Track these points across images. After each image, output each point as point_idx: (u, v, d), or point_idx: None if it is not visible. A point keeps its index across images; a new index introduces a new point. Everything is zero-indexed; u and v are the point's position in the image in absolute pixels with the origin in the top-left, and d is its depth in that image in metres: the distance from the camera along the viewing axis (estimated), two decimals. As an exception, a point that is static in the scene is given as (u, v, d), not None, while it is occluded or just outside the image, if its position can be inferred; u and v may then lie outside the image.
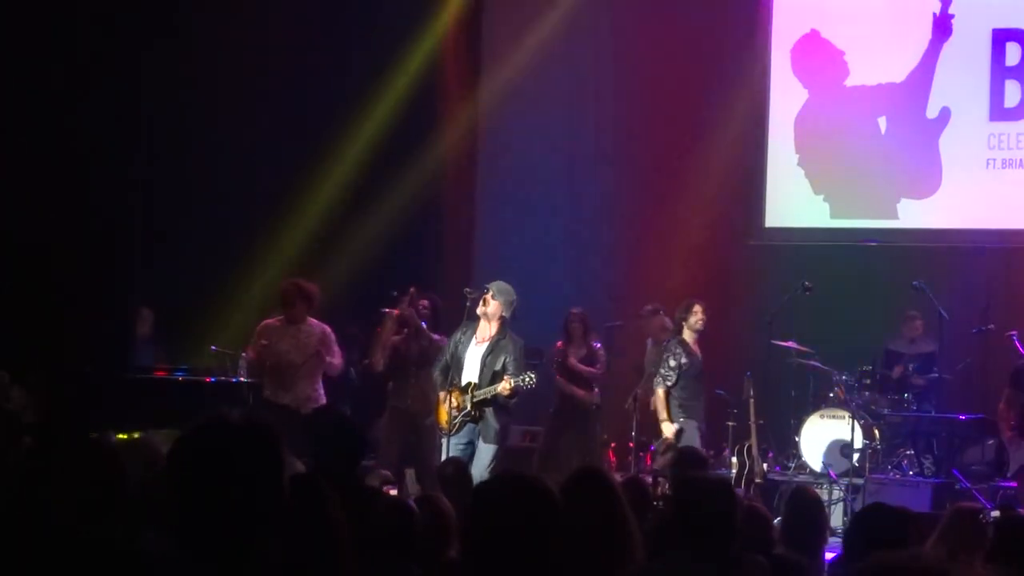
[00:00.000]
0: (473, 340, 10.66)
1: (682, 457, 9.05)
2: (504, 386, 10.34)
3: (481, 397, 10.49)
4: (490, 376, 10.50)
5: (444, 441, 10.60)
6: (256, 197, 14.27)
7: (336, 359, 11.44)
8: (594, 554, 4.23)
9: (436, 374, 10.92)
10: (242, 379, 11.91)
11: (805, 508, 6.86)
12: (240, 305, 13.61)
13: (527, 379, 10.37)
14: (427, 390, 11.42)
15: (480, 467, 10.27)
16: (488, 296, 10.56)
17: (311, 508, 3.88)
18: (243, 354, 11.72)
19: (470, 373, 10.61)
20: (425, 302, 11.95)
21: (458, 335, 10.78)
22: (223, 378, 11.94)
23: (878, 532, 5.57)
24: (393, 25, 14.90)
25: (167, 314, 13.40)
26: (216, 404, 10.95)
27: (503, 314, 10.59)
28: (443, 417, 10.68)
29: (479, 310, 10.57)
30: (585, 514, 4.20)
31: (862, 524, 5.80)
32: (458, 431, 10.56)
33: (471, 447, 10.58)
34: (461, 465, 8.68)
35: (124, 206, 13.29)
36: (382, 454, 11.69)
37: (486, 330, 10.62)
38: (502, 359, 10.50)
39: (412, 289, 11.85)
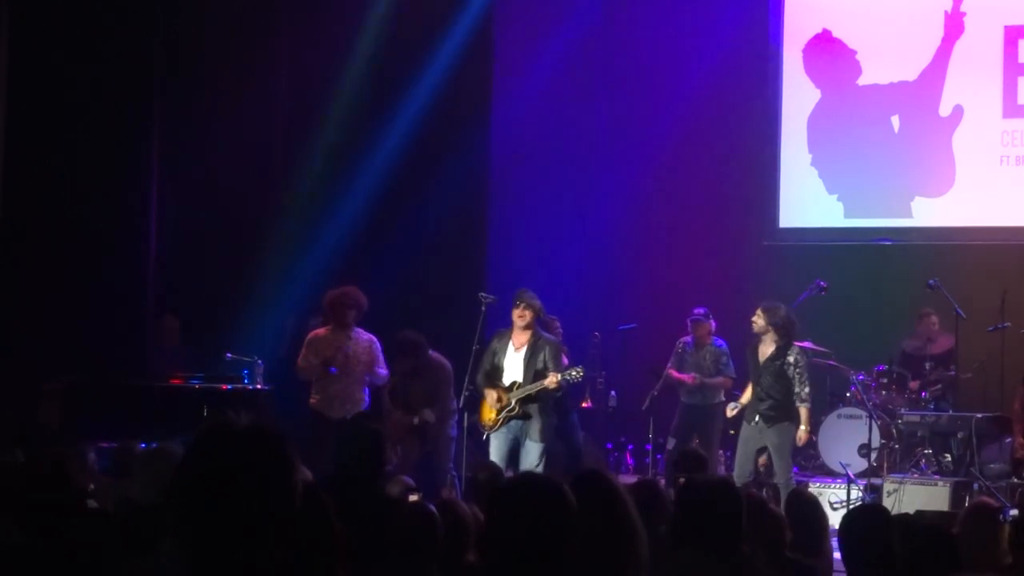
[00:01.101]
0: (511, 347, 11.17)
1: (680, 458, 9.05)
2: (552, 380, 10.84)
3: (525, 393, 10.93)
4: (532, 375, 10.99)
5: (485, 437, 11.10)
6: (273, 205, 14.28)
7: (383, 369, 11.61)
8: (599, 557, 4.22)
9: (478, 380, 11.26)
10: (259, 386, 11.93)
11: (804, 510, 6.83)
12: (257, 312, 13.63)
13: (574, 373, 10.92)
14: (442, 410, 11.58)
15: (528, 465, 10.76)
16: (524, 311, 11.07)
17: (309, 519, 3.86)
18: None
19: (513, 376, 11.10)
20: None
21: (495, 344, 11.26)
22: (239, 385, 11.96)
23: (867, 536, 5.56)
24: (407, 35, 14.91)
25: (183, 320, 13.42)
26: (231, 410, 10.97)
27: (538, 318, 11.22)
28: (486, 415, 11.10)
29: (520, 324, 11.11)
30: (588, 517, 4.19)
31: (851, 529, 5.79)
32: (501, 427, 11.01)
33: (516, 444, 11.01)
34: (495, 470, 8.75)
35: (140, 213, 13.33)
36: (400, 463, 11.72)
37: (521, 336, 11.15)
38: (541, 357, 11.02)
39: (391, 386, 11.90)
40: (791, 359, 11.27)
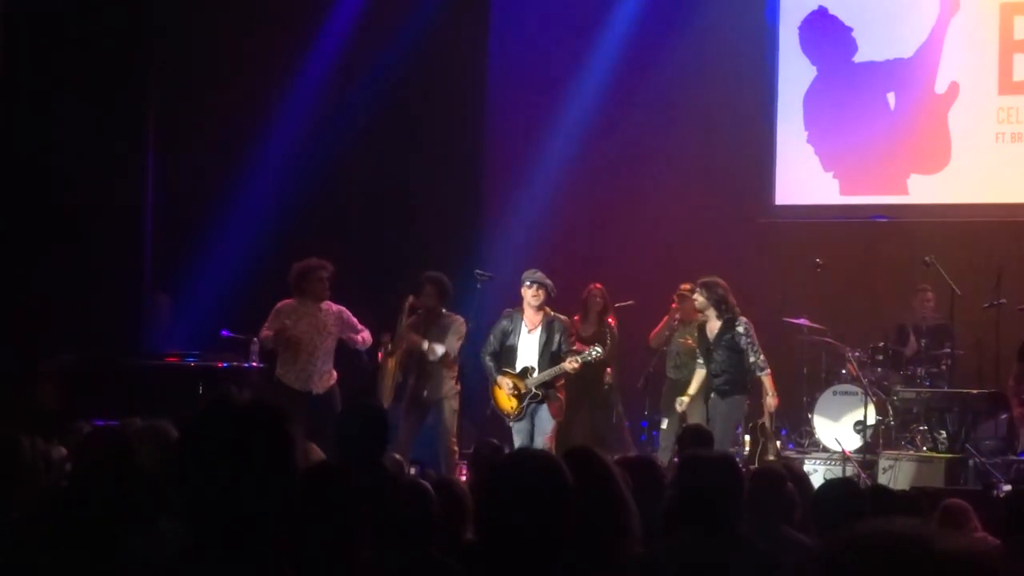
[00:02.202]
0: (524, 328, 11.14)
1: (685, 434, 8.96)
2: (571, 364, 10.90)
3: (545, 379, 10.98)
4: (548, 357, 11.00)
5: (511, 426, 11.16)
6: (267, 183, 14.27)
7: (364, 333, 11.54)
8: (592, 533, 4.23)
9: (487, 361, 11.25)
10: (254, 364, 11.93)
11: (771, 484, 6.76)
12: (252, 290, 13.61)
13: (593, 352, 10.97)
14: (444, 377, 11.54)
15: (542, 433, 10.97)
16: (539, 291, 11.06)
17: (332, 499, 3.85)
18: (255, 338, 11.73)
19: (527, 359, 11.09)
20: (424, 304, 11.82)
21: (505, 324, 11.21)
22: (235, 363, 11.96)
23: (837, 507, 5.57)
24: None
25: (179, 299, 13.41)
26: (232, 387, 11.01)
27: (551, 296, 11.18)
28: (505, 403, 11.10)
29: (534, 303, 11.07)
30: (581, 493, 4.20)
31: (823, 502, 5.78)
32: (523, 415, 11.08)
33: (531, 424, 11.11)
34: (496, 448, 8.76)
35: (137, 191, 13.32)
36: (399, 441, 11.72)
37: (533, 316, 11.12)
38: (556, 338, 11.02)
39: (409, 300, 11.77)
40: (740, 330, 11.25)
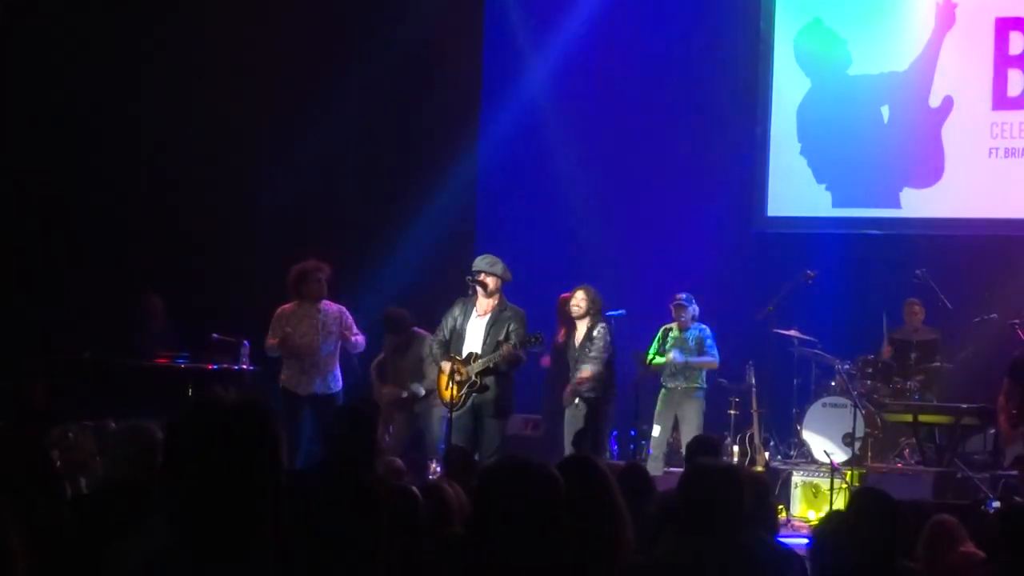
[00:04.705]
0: (474, 313, 10.71)
1: (695, 444, 8.70)
2: (506, 350, 10.38)
3: (483, 366, 10.47)
4: (493, 346, 10.50)
5: (449, 416, 10.57)
6: (259, 188, 14.27)
7: (359, 336, 11.45)
8: (586, 540, 4.22)
9: (436, 349, 10.88)
10: (244, 367, 11.91)
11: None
12: (243, 293, 13.60)
13: (532, 340, 10.50)
14: (430, 384, 11.51)
15: (489, 444, 10.35)
16: (483, 278, 10.64)
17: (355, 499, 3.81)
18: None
19: (473, 345, 10.62)
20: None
21: (456, 310, 10.79)
22: (225, 365, 11.94)
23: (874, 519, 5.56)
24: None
25: (171, 301, 13.39)
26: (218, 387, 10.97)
27: (503, 282, 10.71)
28: (446, 392, 10.54)
29: (481, 294, 10.65)
30: (575, 501, 4.20)
31: (857, 512, 5.78)
32: (464, 405, 10.51)
33: (475, 420, 10.56)
34: (466, 452, 8.70)
35: (130, 194, 13.32)
36: (392, 442, 11.73)
37: (485, 303, 10.68)
38: (505, 328, 10.54)
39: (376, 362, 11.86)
40: (596, 334, 11.26)
